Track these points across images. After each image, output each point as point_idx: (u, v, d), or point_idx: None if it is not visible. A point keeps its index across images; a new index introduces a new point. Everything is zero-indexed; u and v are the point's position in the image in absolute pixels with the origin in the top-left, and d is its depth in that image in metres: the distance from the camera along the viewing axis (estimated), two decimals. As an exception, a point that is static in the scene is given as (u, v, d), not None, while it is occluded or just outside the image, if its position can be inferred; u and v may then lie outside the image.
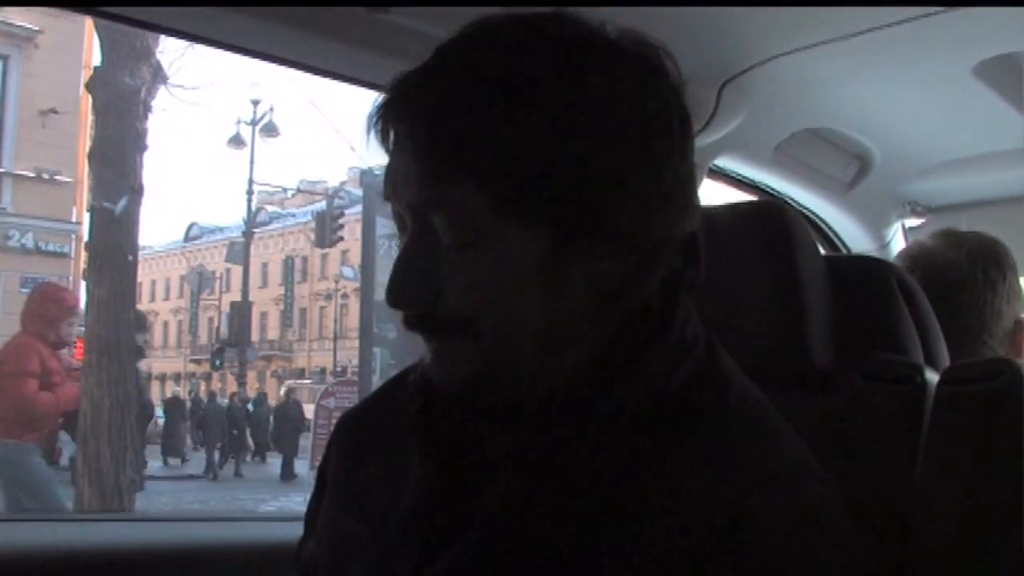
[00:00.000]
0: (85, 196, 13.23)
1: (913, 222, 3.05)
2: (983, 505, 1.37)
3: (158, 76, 12.56)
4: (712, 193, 2.52)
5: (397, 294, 1.05)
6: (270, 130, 31.16)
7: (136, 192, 11.93)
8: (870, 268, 1.67)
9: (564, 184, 1.00)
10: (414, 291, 1.04)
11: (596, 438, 1.03)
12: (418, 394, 1.14)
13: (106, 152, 12.07)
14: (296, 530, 1.43)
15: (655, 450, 1.02)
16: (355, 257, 34.71)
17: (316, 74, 2.00)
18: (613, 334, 1.07)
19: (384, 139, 1.06)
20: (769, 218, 1.54)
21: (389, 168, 1.07)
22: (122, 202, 11.73)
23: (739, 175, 2.58)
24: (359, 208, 28.66)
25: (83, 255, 14.77)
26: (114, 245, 12.05)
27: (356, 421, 1.32)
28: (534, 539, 1.01)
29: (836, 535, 1.02)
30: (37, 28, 23.12)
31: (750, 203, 1.96)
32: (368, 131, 1.06)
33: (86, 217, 13.34)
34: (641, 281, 1.06)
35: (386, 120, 1.05)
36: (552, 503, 1.02)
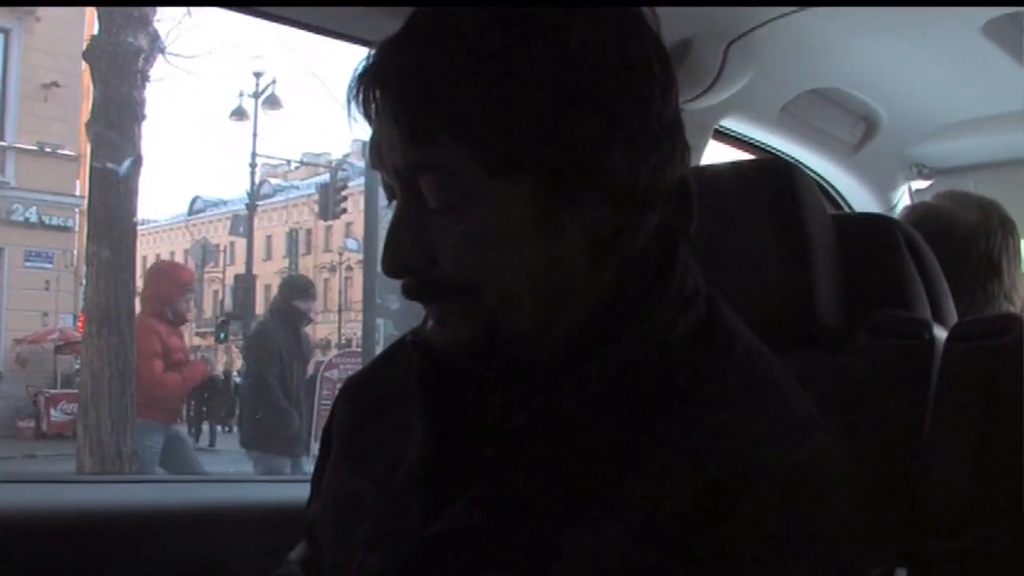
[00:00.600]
0: (88, 167, 13.22)
1: (920, 184, 3.03)
2: (991, 458, 1.37)
3: (156, 44, 12.52)
4: (718, 154, 2.51)
5: (391, 262, 1.05)
6: (273, 103, 31.09)
7: (136, 158, 11.90)
8: (877, 226, 1.67)
9: (549, 135, 0.99)
10: (408, 258, 1.04)
11: (597, 391, 1.02)
12: (419, 360, 1.13)
13: (105, 117, 12.04)
14: (303, 491, 1.43)
15: (658, 403, 1.01)
16: (359, 229, 34.60)
17: (312, 31, 1.99)
18: (612, 286, 1.07)
19: (366, 108, 1.05)
20: (776, 176, 1.54)
21: (373, 136, 1.06)
22: (126, 163, 11.69)
23: (745, 136, 2.57)
24: (362, 180, 28.64)
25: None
26: (114, 210, 12.02)
27: (360, 386, 1.32)
28: (536, 494, 1.01)
29: (842, 488, 1.01)
30: (39, 1, 23.10)
31: (756, 161, 1.95)
32: (349, 102, 1.05)
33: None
34: (636, 228, 1.05)
35: (366, 88, 1.04)
36: (554, 458, 1.01)
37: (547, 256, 1.02)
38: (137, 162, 11.85)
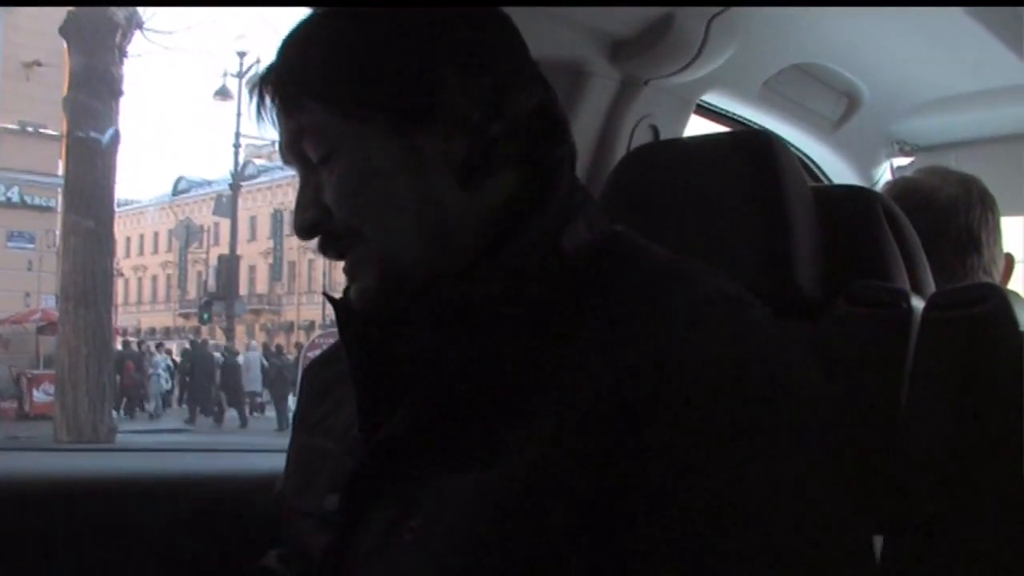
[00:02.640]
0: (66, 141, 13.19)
1: (901, 161, 3.03)
2: (968, 429, 1.37)
3: (133, 19, 12.51)
4: (699, 129, 2.50)
5: (297, 222, 1.16)
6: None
7: (115, 132, 11.87)
8: (856, 196, 1.67)
9: (385, 78, 1.11)
10: (310, 216, 1.14)
11: (498, 292, 1.09)
12: (337, 315, 1.22)
13: (84, 88, 12.00)
14: (277, 461, 1.45)
15: (563, 308, 1.07)
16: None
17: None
18: (492, 212, 1.14)
19: (266, 113, 1.18)
20: (754, 146, 1.54)
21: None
22: (108, 132, 11.66)
23: (727, 112, 2.56)
24: (347, 161, 28.54)
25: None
26: (92, 183, 11.99)
27: (320, 363, 1.42)
28: (459, 401, 1.07)
29: (775, 365, 1.02)
30: (21, -21, 22.97)
31: (734, 133, 1.95)
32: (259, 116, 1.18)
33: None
34: (496, 154, 1.12)
35: (259, 95, 1.17)
36: (470, 367, 1.08)
37: (417, 191, 1.12)
38: (116, 136, 11.80)
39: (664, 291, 1.06)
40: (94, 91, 12.02)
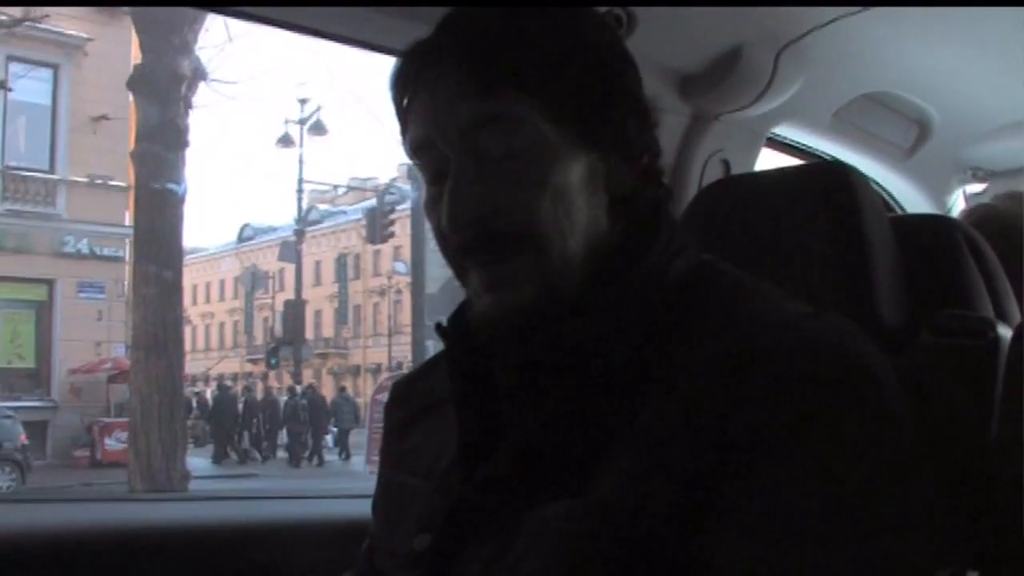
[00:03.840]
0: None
1: (975, 187, 3.00)
2: (1062, 456, 1.34)
3: (198, 71, 12.67)
4: (771, 163, 2.49)
5: (457, 213, 1.08)
6: (318, 129, 31.35)
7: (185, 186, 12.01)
8: (936, 226, 1.65)
9: (596, 95, 1.10)
10: (472, 209, 1.08)
11: (604, 329, 1.08)
12: (448, 344, 1.20)
13: (150, 139, 12.15)
14: (362, 506, 1.44)
15: (662, 332, 1.07)
16: (407, 252, 34.74)
17: (347, 43, 2.00)
18: (617, 241, 1.13)
19: (414, 84, 1.12)
20: (832, 178, 1.53)
21: (419, 114, 1.12)
22: (182, 184, 11.81)
23: (798, 143, 2.55)
24: (409, 204, 28.74)
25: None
26: (161, 233, 12.12)
27: (404, 391, 1.38)
28: (561, 434, 1.06)
29: (852, 373, 1.00)
30: (87, 36, 23.38)
31: (811, 164, 1.93)
32: (397, 79, 1.13)
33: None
34: (644, 188, 1.15)
35: (426, 56, 1.11)
36: (572, 397, 1.07)
37: (591, 211, 1.11)
38: (185, 188, 11.93)
39: (748, 301, 1.08)
40: (161, 142, 12.18)
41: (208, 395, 29.15)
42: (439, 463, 1.19)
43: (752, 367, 0.97)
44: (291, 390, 27.88)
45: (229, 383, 29.91)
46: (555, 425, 1.07)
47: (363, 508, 1.43)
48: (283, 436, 25.81)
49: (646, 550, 0.96)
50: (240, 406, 26.14)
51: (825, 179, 1.54)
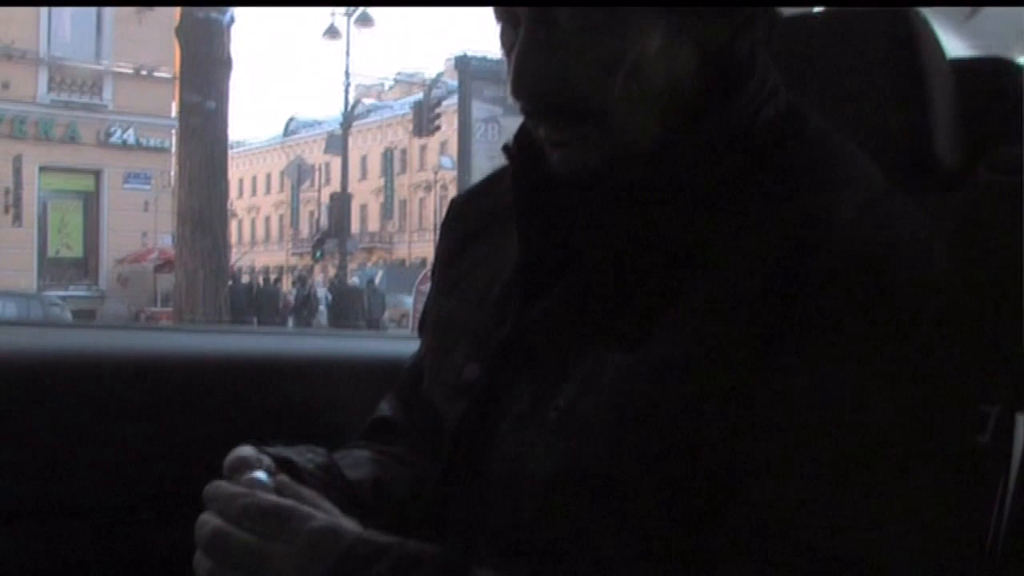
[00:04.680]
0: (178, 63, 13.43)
1: (1037, 53, 2.89)
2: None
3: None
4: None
5: (523, 83, 1.03)
6: (365, 20, 31.21)
7: (226, 63, 12.01)
8: (998, 67, 1.58)
9: None
10: (535, 80, 1.03)
11: (685, 179, 1.03)
12: (514, 165, 1.14)
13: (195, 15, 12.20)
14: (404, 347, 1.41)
15: (740, 185, 1.02)
16: (453, 147, 34.80)
17: None
18: (707, 89, 1.06)
19: None
20: (890, 16, 1.45)
21: None
22: (229, 13, 11.79)
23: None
24: (456, 99, 28.69)
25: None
26: (205, 109, 12.17)
27: (461, 210, 1.32)
28: (624, 280, 1.02)
29: (930, 266, 0.98)
30: (132, -79, 23.30)
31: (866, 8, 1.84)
32: None
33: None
34: (741, 40, 1.06)
35: None
36: (641, 244, 1.03)
37: (672, 76, 1.03)
38: (227, 64, 11.93)
39: (828, 164, 1.03)
40: (206, 17, 12.17)
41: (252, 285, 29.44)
42: (493, 290, 1.15)
43: (823, 249, 0.94)
44: (300, 281, 27.89)
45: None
46: (619, 267, 1.03)
47: (395, 347, 1.36)
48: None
49: (699, 412, 0.94)
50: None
51: (883, 16, 1.46)
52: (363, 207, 54.62)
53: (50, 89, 25.56)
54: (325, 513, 0.96)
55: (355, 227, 46.06)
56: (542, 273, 1.08)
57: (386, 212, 53.70)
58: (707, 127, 1.04)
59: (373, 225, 55.81)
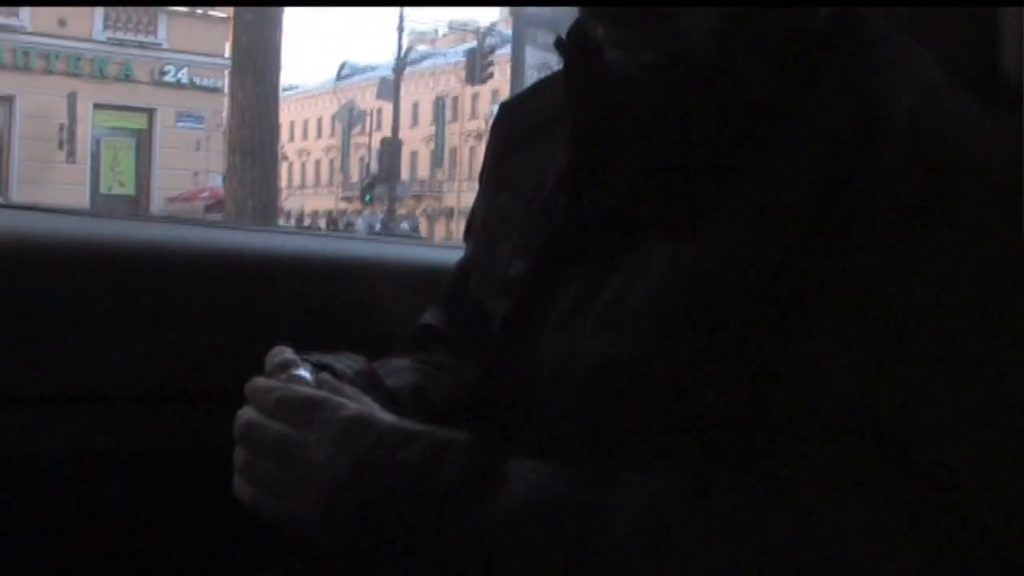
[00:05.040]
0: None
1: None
2: None
3: None
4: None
5: None
6: (420, -35, 31.02)
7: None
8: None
9: None
10: None
11: (744, 69, 0.99)
12: (567, 59, 1.11)
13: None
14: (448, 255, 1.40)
15: (798, 74, 0.98)
16: (505, 96, 34.66)
17: None
18: None
19: None
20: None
21: None
22: None
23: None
24: (509, 48, 28.55)
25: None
26: (258, 40, 12.21)
27: (513, 108, 1.31)
28: (678, 171, 0.99)
29: (994, 171, 0.92)
30: None
31: None
32: None
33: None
34: None
35: None
36: (696, 134, 1.00)
37: None
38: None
39: (887, 64, 0.97)
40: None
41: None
42: (542, 188, 1.12)
43: (882, 140, 0.89)
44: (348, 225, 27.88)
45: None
46: (674, 158, 1.00)
47: (439, 254, 1.35)
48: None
49: (750, 302, 0.90)
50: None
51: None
52: (413, 154, 54.58)
53: (105, 27, 25.66)
54: (360, 405, 0.95)
55: (405, 174, 46.05)
56: (592, 169, 1.05)
57: (436, 160, 53.64)
58: (764, 22, 1.00)
59: (423, 172, 55.76)
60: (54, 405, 1.37)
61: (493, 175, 1.25)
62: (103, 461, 1.40)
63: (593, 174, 1.05)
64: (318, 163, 63.82)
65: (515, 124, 1.26)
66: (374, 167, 36.61)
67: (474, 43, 33.78)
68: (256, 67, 12.02)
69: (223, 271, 1.56)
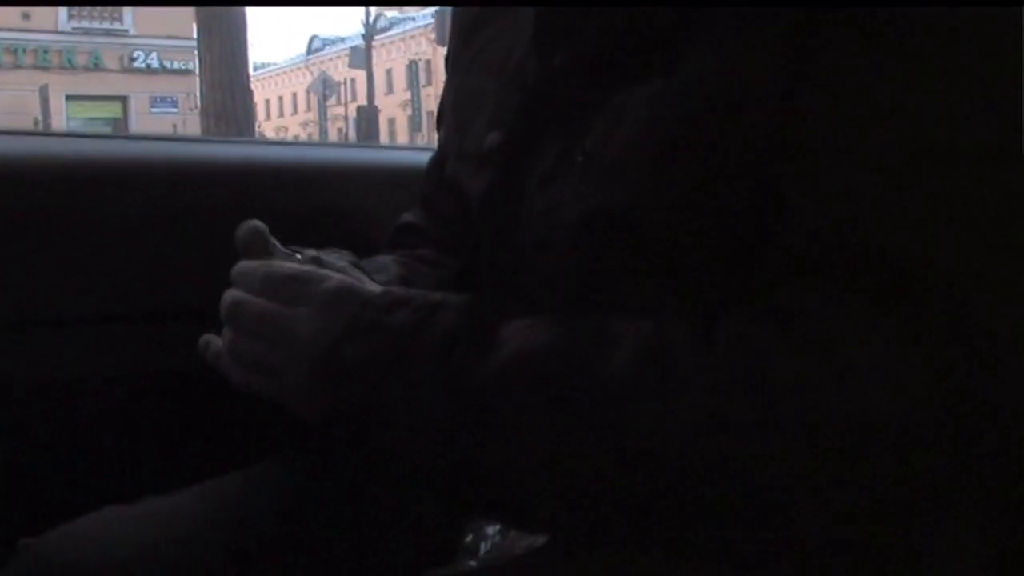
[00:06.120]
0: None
1: None
2: None
3: None
4: None
5: None
6: (381, -71, 30.78)
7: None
8: None
9: None
10: None
11: None
12: None
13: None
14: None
15: None
16: (478, 55, 34.51)
17: None
18: None
19: None
20: None
21: None
22: None
23: None
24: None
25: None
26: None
27: None
28: (649, 13, 0.93)
29: None
30: None
31: None
32: None
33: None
34: None
35: None
36: None
37: None
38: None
39: None
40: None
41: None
42: (512, 59, 1.06)
43: None
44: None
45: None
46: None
47: (421, 157, 1.34)
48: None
49: (738, 132, 0.86)
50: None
51: None
52: (391, 121, 54.34)
53: (70, 17, 25.48)
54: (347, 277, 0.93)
55: (383, 141, 45.83)
56: (561, 29, 1.01)
57: (414, 125, 53.32)
58: None
59: (402, 138, 55.45)
60: (43, 328, 1.38)
61: (461, 57, 1.21)
62: (93, 381, 1.40)
63: (562, 34, 1.00)
64: (296, 138, 63.51)
65: (475, 9, 1.22)
66: (352, 136, 36.44)
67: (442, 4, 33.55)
68: (223, 26, 12.02)
69: (203, 183, 1.54)
